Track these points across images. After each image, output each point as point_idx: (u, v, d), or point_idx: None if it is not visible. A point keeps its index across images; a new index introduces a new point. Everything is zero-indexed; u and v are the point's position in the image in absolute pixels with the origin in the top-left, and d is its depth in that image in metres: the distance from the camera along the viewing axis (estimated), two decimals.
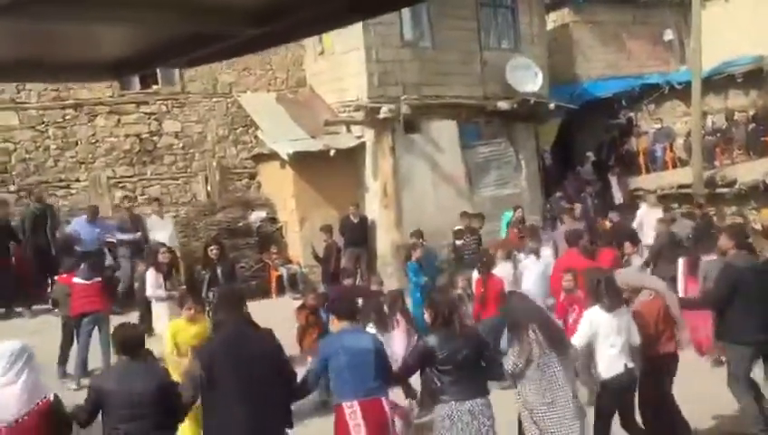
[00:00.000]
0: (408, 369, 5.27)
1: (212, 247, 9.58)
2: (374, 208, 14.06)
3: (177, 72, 13.87)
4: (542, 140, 17.13)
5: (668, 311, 5.89)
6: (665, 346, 5.87)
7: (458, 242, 12.73)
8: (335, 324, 5.17)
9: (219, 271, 9.17)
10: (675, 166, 16.75)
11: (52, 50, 2.26)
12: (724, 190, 15.17)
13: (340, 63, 14.29)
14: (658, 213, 12.91)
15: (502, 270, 9.27)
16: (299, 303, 8.83)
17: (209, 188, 14.27)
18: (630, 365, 5.60)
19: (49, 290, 10.79)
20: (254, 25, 2.26)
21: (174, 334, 6.49)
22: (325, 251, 12.40)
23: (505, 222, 13.78)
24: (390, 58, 14.00)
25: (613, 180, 17.15)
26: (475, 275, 9.12)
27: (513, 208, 13.86)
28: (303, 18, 2.26)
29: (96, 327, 8.69)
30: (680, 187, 15.77)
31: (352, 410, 4.73)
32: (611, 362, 5.51)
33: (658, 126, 17.60)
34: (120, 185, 13.58)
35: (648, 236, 11.94)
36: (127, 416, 4.44)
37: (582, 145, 18.66)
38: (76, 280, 8.91)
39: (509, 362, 5.02)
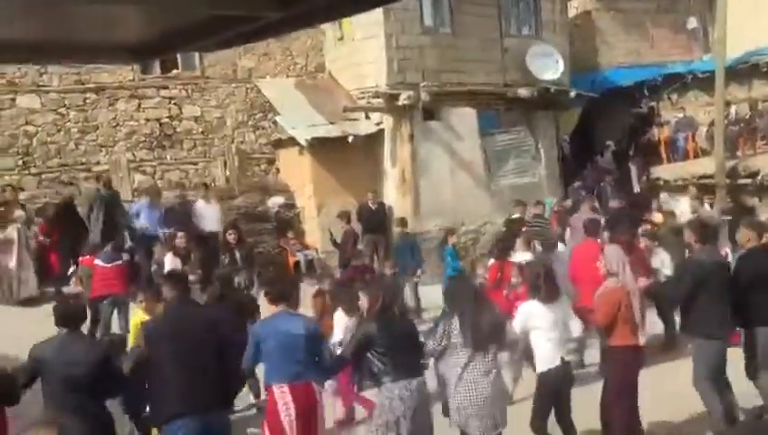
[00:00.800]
0: (347, 359, 5.37)
1: (230, 232, 9.63)
2: (392, 195, 14.04)
3: (197, 57, 13.91)
4: (561, 128, 17.00)
5: (631, 302, 5.65)
6: (626, 338, 5.62)
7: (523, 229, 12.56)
8: (270, 309, 5.24)
9: (237, 255, 9.22)
10: (696, 156, 16.56)
11: (76, 32, 2.27)
12: (747, 181, 14.97)
13: (359, 49, 14.24)
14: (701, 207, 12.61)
15: (521, 258, 9.21)
16: (315, 289, 8.83)
17: (228, 173, 14.33)
18: (568, 358, 5.58)
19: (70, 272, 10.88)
20: (277, 9, 2.25)
21: (137, 329, 6.29)
22: (343, 237, 12.41)
23: (548, 209, 13.69)
24: (410, 44, 13.92)
25: (633, 170, 17.00)
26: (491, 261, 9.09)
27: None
28: (326, 2, 2.25)
29: (117, 309, 8.78)
30: (702, 177, 15.58)
31: (282, 392, 4.89)
32: (547, 355, 5.49)
33: (680, 115, 17.39)
34: (141, 169, 13.67)
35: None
36: (62, 386, 4.58)
37: (603, 134, 18.48)
38: (97, 262, 9.00)
39: (429, 343, 5.17)
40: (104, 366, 4.66)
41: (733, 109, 16.62)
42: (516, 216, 12.78)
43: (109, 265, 8.94)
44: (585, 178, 16.66)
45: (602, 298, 5.72)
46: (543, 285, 5.55)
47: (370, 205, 13.21)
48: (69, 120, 13.23)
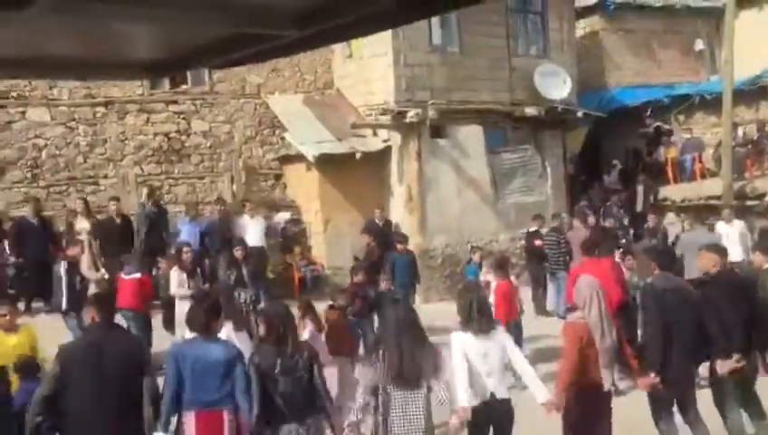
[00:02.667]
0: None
1: (237, 248, 9.62)
2: (398, 212, 14.05)
3: (206, 72, 13.98)
4: (568, 147, 17.01)
5: (592, 341, 5.21)
6: (588, 376, 5.20)
7: (537, 242, 12.62)
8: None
9: (245, 271, 9.21)
10: (704, 177, 16.54)
11: (94, 48, 2.29)
12: (754, 202, 14.94)
13: (367, 67, 14.31)
14: (739, 226, 12.40)
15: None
16: (321, 304, 8.79)
17: (235, 188, 14.35)
18: (501, 395, 5.12)
19: None
20: (296, 27, 2.27)
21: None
22: (366, 254, 12.42)
23: None
24: (418, 62, 13.99)
25: (640, 190, 16.99)
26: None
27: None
28: (343, 22, 2.26)
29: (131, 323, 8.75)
30: (709, 198, 15.56)
31: (187, 421, 4.75)
32: (478, 389, 5.07)
33: (688, 136, 17.40)
34: (148, 183, 13.70)
35: (735, 254, 10.64)
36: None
37: (610, 153, 18.51)
38: (121, 275, 9.04)
39: (358, 397, 4.74)
40: None
41: (740, 130, 16.63)
42: (534, 229, 12.86)
43: (127, 278, 8.97)
44: (591, 198, 16.65)
45: (565, 334, 5.39)
46: (477, 315, 5.14)
47: (377, 221, 13.21)
48: (78, 134, 13.29)
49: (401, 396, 4.58)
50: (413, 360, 4.60)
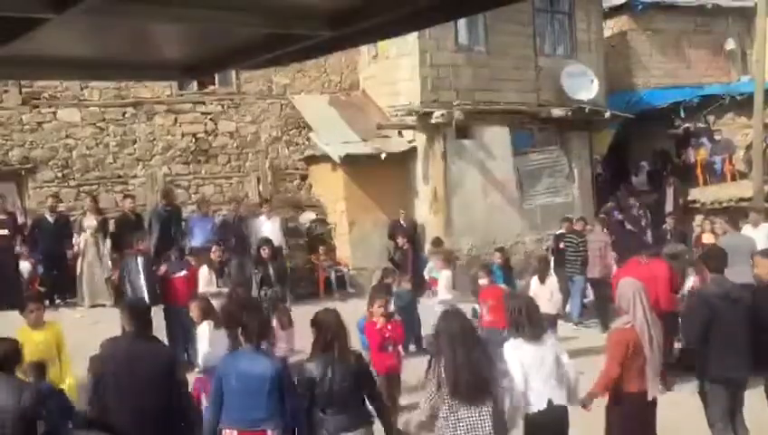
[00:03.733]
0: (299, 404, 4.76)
1: (264, 247, 9.68)
2: (423, 213, 14.04)
3: (233, 73, 14.10)
4: (595, 148, 16.87)
5: (640, 347, 5.07)
6: (631, 384, 5.09)
7: (561, 245, 12.57)
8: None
9: (271, 270, 9.27)
10: (734, 178, 16.31)
11: (130, 50, 2.32)
12: None
13: (393, 67, 14.32)
14: (766, 230, 12.01)
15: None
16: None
17: (261, 188, 14.45)
18: (558, 401, 4.97)
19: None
20: (327, 28, 2.29)
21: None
22: (402, 255, 12.49)
23: None
24: (444, 63, 13.96)
25: (669, 191, 16.80)
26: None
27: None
28: (376, 22, 2.27)
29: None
30: (739, 200, 15.33)
31: None
32: (534, 397, 4.93)
33: (718, 138, 17.17)
34: (176, 183, 13.85)
35: None
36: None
37: (638, 155, 18.33)
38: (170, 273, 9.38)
39: (415, 417, 4.56)
40: (27, 411, 4.46)
41: None
42: (561, 231, 12.77)
43: (177, 276, 9.19)
44: (618, 199, 16.50)
45: (611, 340, 5.27)
46: (527, 320, 5.00)
47: (402, 222, 13.21)
48: (108, 134, 13.46)
49: (466, 414, 4.38)
50: (476, 373, 4.40)
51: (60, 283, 11.52)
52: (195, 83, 13.95)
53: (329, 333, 4.69)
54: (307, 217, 14.06)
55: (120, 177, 13.49)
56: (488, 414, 4.43)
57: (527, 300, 5.34)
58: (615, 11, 18.48)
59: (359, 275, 13.41)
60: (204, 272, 9.17)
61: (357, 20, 2.16)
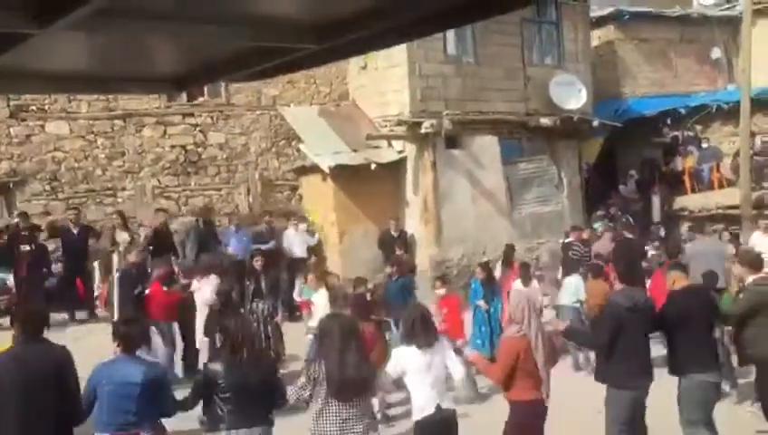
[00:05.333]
0: (187, 402, 5.06)
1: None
2: (414, 223, 14.05)
3: (222, 84, 14.10)
4: (584, 157, 16.95)
5: (531, 355, 5.20)
6: (525, 392, 5.23)
7: (569, 253, 12.58)
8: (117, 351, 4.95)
9: (263, 281, 9.24)
10: (721, 186, 16.42)
11: (119, 64, 2.32)
12: None
13: (382, 78, 14.36)
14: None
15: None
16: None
17: (251, 199, 14.43)
18: (446, 406, 5.21)
19: None
20: (314, 42, 2.30)
21: None
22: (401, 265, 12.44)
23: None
24: (433, 73, 14.02)
25: (655, 199, 16.89)
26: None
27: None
28: (363, 35, 2.29)
29: None
30: (727, 207, 15.44)
31: None
32: (423, 401, 5.18)
33: (705, 146, 17.30)
34: (165, 195, 13.82)
35: None
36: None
37: (626, 163, 18.43)
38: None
39: (291, 390, 4.77)
40: None
41: (758, 139, 16.50)
42: (570, 239, 12.78)
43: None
44: (608, 208, 16.56)
45: (502, 348, 5.44)
46: (419, 330, 5.22)
47: (392, 232, 13.22)
48: (96, 147, 13.43)
49: (343, 409, 4.54)
50: (354, 373, 4.53)
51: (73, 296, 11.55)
52: (184, 95, 13.94)
53: (236, 337, 4.89)
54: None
55: (109, 189, 13.45)
56: (362, 412, 4.62)
57: (421, 311, 5.53)
58: (602, 21, 18.62)
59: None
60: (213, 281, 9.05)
61: (343, 33, 2.17)
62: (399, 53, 13.42)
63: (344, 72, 15.24)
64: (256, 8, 2.03)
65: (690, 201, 16.55)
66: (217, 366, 4.86)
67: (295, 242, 12.99)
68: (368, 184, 13.54)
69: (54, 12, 1.69)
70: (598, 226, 13.87)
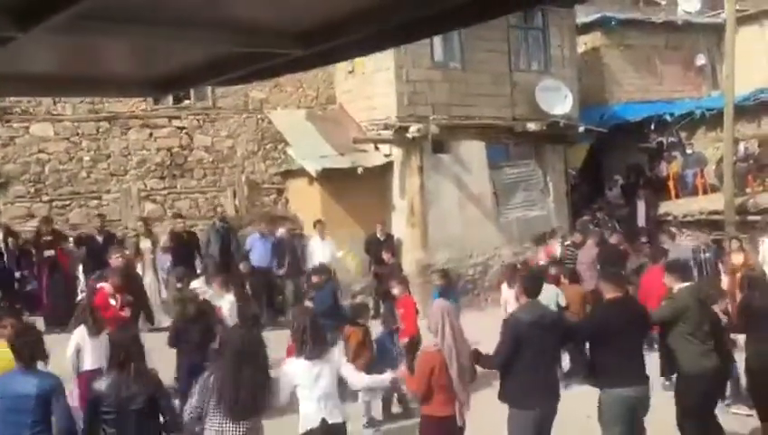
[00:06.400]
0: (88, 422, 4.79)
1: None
2: (400, 227, 14.06)
3: (209, 88, 14.05)
4: (570, 162, 17.04)
5: (446, 371, 4.99)
6: (439, 408, 5.04)
7: (567, 253, 12.67)
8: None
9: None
10: (705, 192, 16.56)
11: (102, 67, 2.31)
12: (756, 218, 14.94)
13: (370, 82, 14.38)
14: None
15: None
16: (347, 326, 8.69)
17: (237, 202, 14.39)
18: (335, 420, 5.00)
19: None
20: (299, 47, 2.29)
21: None
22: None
23: None
24: (420, 78, 14.05)
25: (640, 205, 17.00)
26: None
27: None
28: (348, 40, 2.28)
29: None
30: (711, 213, 15.57)
31: None
32: (307, 415, 4.97)
33: (690, 151, 17.44)
34: (151, 197, 13.75)
35: None
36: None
37: (611, 169, 18.55)
38: None
39: (186, 407, 4.58)
40: None
41: (741, 145, 16.66)
42: (568, 242, 12.86)
43: None
44: (594, 212, 16.66)
45: (418, 362, 5.31)
46: (309, 339, 5.00)
47: (378, 236, 13.22)
48: (81, 149, 13.34)
49: (231, 428, 4.40)
50: (247, 390, 4.39)
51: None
52: (170, 98, 13.88)
53: (121, 352, 4.69)
54: (284, 231, 13.98)
55: (93, 192, 13.36)
56: (251, 431, 4.48)
57: (311, 318, 5.27)
58: (588, 27, 18.73)
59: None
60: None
61: (329, 38, 2.16)
62: (386, 58, 13.44)
63: (331, 77, 15.24)
64: (242, 12, 2.03)
65: (675, 207, 16.66)
66: (102, 384, 4.63)
67: (317, 250, 12.52)
68: (354, 188, 13.54)
69: (37, 15, 1.68)
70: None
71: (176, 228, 12.62)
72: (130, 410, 4.52)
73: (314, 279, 9.58)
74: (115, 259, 9.39)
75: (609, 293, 5.92)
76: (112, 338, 4.97)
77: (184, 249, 12.05)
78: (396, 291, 9.05)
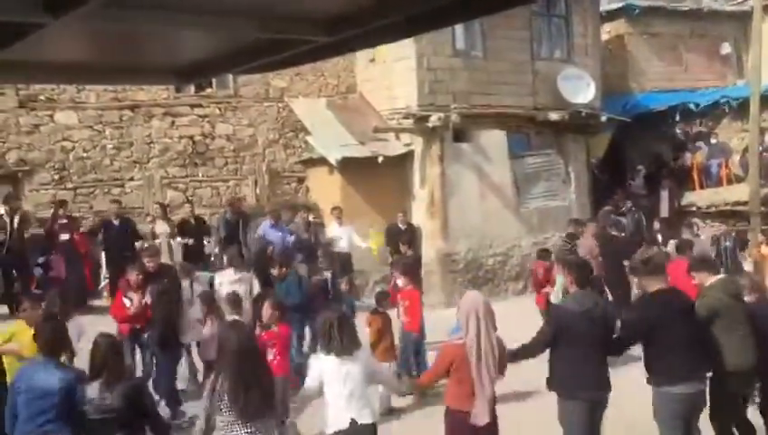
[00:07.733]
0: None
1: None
2: (420, 216, 14.04)
3: (230, 76, 14.10)
4: (592, 152, 16.91)
5: (467, 365, 4.78)
6: (458, 402, 4.87)
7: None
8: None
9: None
10: (730, 182, 16.35)
11: (128, 55, 2.33)
12: None
13: (390, 71, 14.34)
14: None
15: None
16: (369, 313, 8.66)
17: (258, 191, 14.45)
18: (364, 420, 4.80)
19: None
20: (324, 34, 2.30)
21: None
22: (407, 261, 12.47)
23: None
24: (441, 66, 13.99)
25: (664, 195, 16.83)
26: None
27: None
28: (372, 28, 2.29)
29: None
30: (735, 204, 15.39)
31: None
32: (336, 414, 4.80)
33: (714, 141, 17.22)
34: (173, 185, 13.85)
35: None
36: None
37: (634, 158, 18.37)
38: None
39: (200, 415, 4.45)
40: None
41: (767, 136, 16.42)
42: (569, 232, 12.74)
43: None
44: (616, 203, 16.51)
45: (439, 352, 5.14)
46: (337, 335, 4.81)
47: (399, 225, 13.22)
48: (105, 137, 13.46)
49: (244, 430, 4.30)
50: (256, 389, 4.30)
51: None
52: (192, 87, 13.95)
53: (97, 356, 4.63)
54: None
55: (116, 179, 13.48)
56: (265, 430, 4.39)
57: (339, 315, 5.13)
58: (612, 15, 18.53)
59: (354, 278, 13.37)
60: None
61: (352, 26, 2.17)
62: (407, 46, 13.39)
63: (352, 65, 15.21)
64: (266, 0, 2.04)
65: (699, 197, 16.49)
66: (86, 388, 4.57)
67: (338, 236, 12.53)
68: (374, 177, 13.54)
69: (67, 2, 1.70)
70: None
71: (186, 216, 12.67)
72: (110, 419, 4.46)
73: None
74: (148, 261, 8.58)
75: (652, 286, 5.68)
76: (94, 342, 4.78)
77: (193, 235, 12.05)
78: (400, 282, 8.77)
